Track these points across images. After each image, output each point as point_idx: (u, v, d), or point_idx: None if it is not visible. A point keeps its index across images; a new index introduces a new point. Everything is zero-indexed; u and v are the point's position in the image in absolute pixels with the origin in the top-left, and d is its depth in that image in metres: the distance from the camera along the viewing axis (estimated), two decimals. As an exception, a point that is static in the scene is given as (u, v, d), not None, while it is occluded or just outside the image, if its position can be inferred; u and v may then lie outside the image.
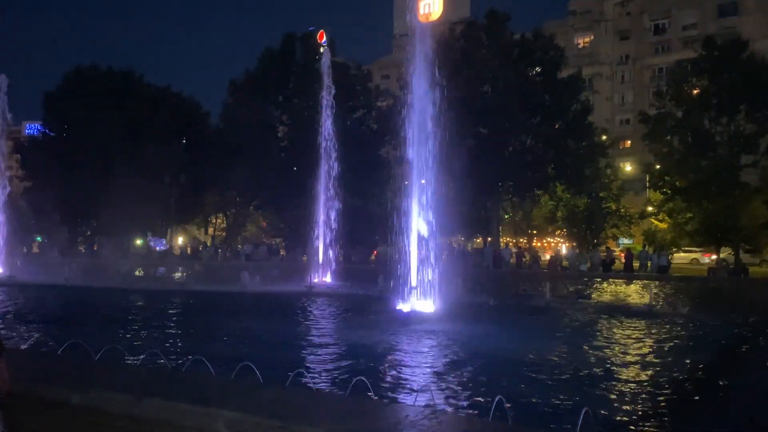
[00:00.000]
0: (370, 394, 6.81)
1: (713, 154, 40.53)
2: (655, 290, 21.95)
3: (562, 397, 7.13)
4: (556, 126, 44.12)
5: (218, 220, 64.71)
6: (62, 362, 6.28)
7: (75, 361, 6.25)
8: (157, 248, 52.13)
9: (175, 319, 15.41)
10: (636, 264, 38.55)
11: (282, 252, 49.29)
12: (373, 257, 41.32)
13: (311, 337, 11.59)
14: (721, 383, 8.25)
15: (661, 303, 20.44)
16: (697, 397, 7.75)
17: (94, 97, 47.69)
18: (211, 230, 65.51)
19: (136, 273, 33.77)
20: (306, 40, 52.33)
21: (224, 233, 60.53)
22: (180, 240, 67.48)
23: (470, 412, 6.35)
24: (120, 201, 42.38)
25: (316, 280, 25.20)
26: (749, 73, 39.31)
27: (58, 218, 51.36)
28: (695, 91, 42.35)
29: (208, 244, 55.62)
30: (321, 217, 27.04)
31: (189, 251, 51.44)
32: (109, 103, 47.42)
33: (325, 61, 31.85)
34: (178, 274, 34.34)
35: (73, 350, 6.81)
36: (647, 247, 46.90)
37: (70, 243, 51.15)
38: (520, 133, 44.06)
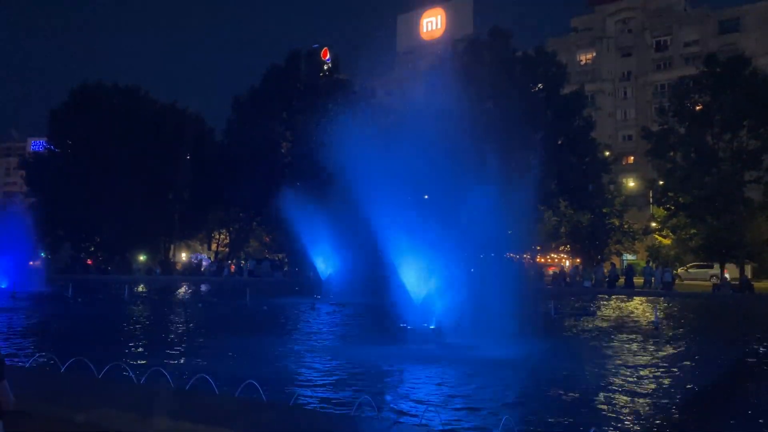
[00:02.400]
0: (375, 413, 6.76)
1: (717, 170, 40.53)
2: (659, 307, 21.87)
3: (569, 415, 7.06)
4: (559, 142, 44.22)
5: (221, 236, 64.78)
6: (66, 379, 6.25)
7: (79, 378, 6.21)
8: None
9: (179, 334, 15.36)
10: (640, 280, 38.45)
11: (286, 267, 49.28)
12: (375, 272, 41.28)
13: (314, 354, 11.53)
14: (731, 401, 8.17)
15: (665, 320, 20.33)
16: (705, 416, 7.68)
17: (100, 114, 48.07)
18: (214, 246, 65.56)
19: (139, 289, 33.75)
20: (310, 57, 52.71)
21: (227, 249, 60.59)
22: (183, 255, 67.53)
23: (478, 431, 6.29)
24: (124, 217, 42.50)
25: (320, 297, 25.16)
26: (752, 90, 39.42)
27: (62, 234, 51.48)
28: (698, 108, 42.50)
29: (212, 259, 55.66)
30: (325, 233, 26.99)
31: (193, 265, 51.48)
32: (114, 120, 47.77)
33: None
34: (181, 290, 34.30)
35: (77, 367, 6.78)
36: (651, 263, 46.78)
37: (73, 259, 51.23)
38: (523, 149, 44.08)
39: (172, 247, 58.86)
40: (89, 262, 52.03)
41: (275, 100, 49.31)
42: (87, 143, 48.40)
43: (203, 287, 36.69)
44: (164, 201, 51.53)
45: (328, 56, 62.99)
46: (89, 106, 49.10)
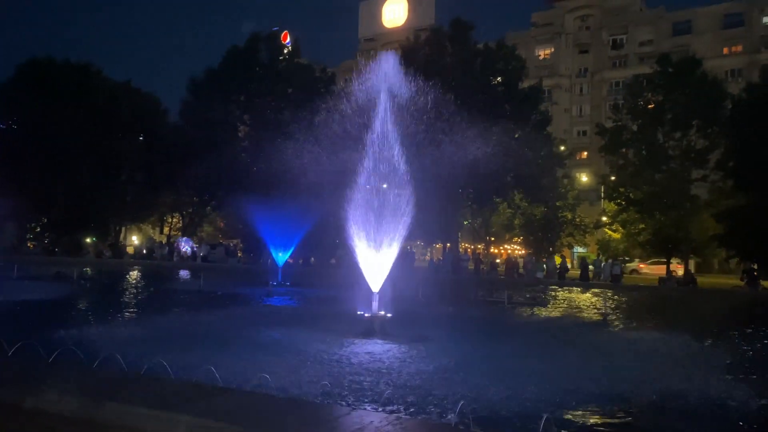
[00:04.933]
0: (333, 399, 6.78)
1: (666, 168, 41.81)
2: (608, 298, 22.56)
3: (523, 405, 7.21)
4: (516, 135, 44.78)
5: (174, 220, 63.59)
6: (14, 364, 6.06)
7: (27, 362, 6.03)
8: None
9: (134, 318, 15.05)
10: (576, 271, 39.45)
11: (240, 254, 48.75)
12: (333, 261, 41.24)
13: (270, 341, 11.46)
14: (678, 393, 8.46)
15: (613, 310, 20.97)
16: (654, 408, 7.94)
17: (49, 90, 46.27)
18: (166, 230, 64.33)
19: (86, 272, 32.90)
20: (270, 40, 51.94)
21: (180, 233, 59.52)
22: (135, 239, 66.11)
23: (434, 418, 6.37)
24: (73, 197, 41.23)
25: (275, 284, 24.99)
26: (701, 91, 40.69)
27: (6, 213, 49.63)
28: (650, 106, 43.66)
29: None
30: (281, 220, 26.78)
31: (144, 251, 50.44)
32: (65, 97, 46.12)
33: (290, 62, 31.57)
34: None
35: (26, 351, 6.58)
36: (601, 256, 48.06)
37: (18, 240, 49.50)
38: (482, 141, 44.50)
39: (123, 229, 57.50)
40: (30, 246, 50.39)
41: (233, 82, 48.42)
42: (35, 120, 46.68)
43: (155, 272, 35.99)
44: (116, 182, 50.24)
45: (288, 39, 62.27)
46: (38, 83, 47.21)
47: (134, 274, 33.13)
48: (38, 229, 53.13)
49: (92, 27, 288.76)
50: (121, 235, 57.45)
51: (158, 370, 6.09)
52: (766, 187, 31.59)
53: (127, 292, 23.14)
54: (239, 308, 17.80)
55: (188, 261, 45.49)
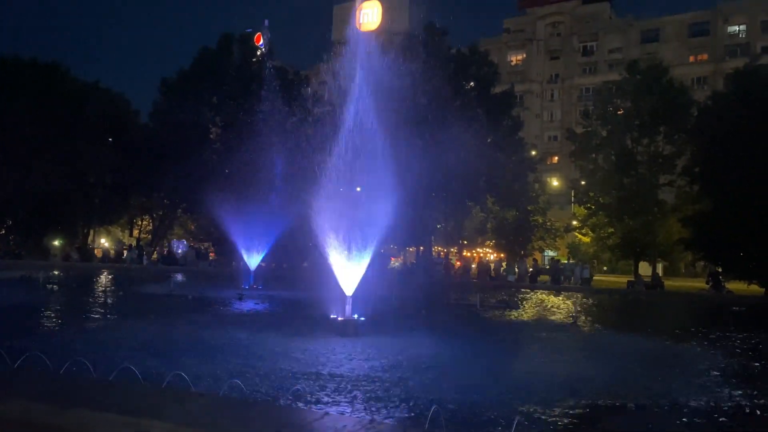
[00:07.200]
0: (306, 403, 6.77)
1: (634, 173, 42.57)
2: (578, 301, 22.90)
3: (495, 407, 7.27)
4: (489, 140, 45.16)
5: (144, 222, 62.66)
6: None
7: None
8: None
9: (102, 323, 14.80)
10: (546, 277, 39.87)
11: (213, 256, 48.26)
12: (304, 264, 40.92)
13: (243, 346, 11.36)
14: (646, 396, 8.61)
15: (583, 313, 21.25)
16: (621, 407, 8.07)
17: (15, 90, 45.21)
18: (136, 232, 63.36)
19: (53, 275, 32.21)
20: (243, 41, 51.64)
21: (150, 236, 58.70)
22: (104, 242, 65.01)
23: (407, 421, 6.39)
24: (40, 199, 40.30)
25: (247, 287, 24.76)
26: (668, 97, 41.56)
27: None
28: (619, 112, 44.44)
29: (133, 245, 53.72)
30: (254, 223, 26.56)
31: (112, 254, 49.63)
32: (31, 97, 45.10)
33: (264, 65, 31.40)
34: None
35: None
36: (571, 259, 48.71)
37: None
38: (454, 145, 44.84)
39: (91, 232, 56.48)
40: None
41: (205, 84, 47.94)
42: (1, 120, 45.60)
43: (123, 275, 35.41)
44: (84, 184, 49.30)
45: (261, 41, 61.76)
46: (4, 82, 46.14)
47: (103, 278, 32.57)
48: (3, 232, 51.90)
49: (60, 26, 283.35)
50: (90, 238, 56.39)
51: (127, 375, 6.00)
52: (730, 193, 32.32)
53: (95, 296, 22.73)
54: (211, 312, 17.62)
55: (158, 264, 44.88)
